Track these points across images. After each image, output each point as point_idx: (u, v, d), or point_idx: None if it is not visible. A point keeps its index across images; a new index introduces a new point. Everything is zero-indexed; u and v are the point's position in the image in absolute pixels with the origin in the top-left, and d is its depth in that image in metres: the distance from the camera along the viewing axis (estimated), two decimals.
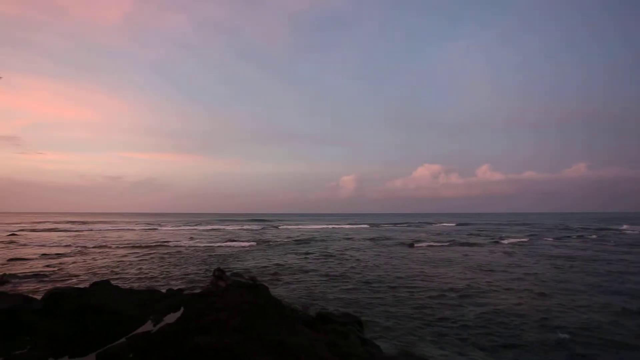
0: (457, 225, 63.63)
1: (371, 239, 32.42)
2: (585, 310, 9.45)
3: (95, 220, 74.79)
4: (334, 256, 20.40)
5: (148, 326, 6.37)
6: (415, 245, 27.14)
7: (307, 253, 21.74)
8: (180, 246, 25.80)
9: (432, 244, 28.19)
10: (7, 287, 10.91)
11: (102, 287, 8.47)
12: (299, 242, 29.63)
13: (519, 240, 32.12)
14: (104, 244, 27.41)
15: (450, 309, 9.57)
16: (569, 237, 36.01)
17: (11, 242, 28.79)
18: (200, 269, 15.66)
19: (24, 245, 26.58)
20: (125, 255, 20.51)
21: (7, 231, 41.47)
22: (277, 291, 10.97)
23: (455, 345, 7.07)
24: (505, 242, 30.28)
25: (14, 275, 13.18)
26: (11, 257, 19.42)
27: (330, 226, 56.99)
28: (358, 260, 18.95)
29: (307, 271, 15.34)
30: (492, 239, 33.62)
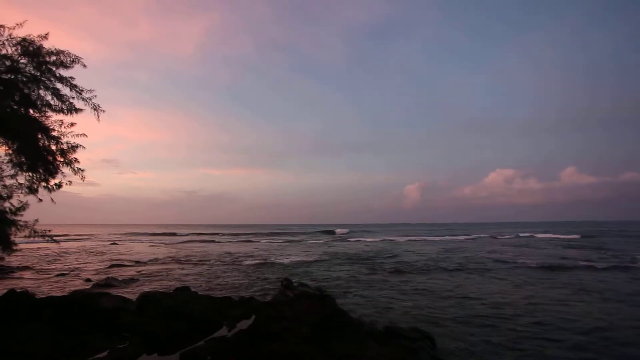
0: (542, 235, 55.75)
1: (443, 252, 30.54)
2: None
3: (176, 231, 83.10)
4: (403, 269, 19.63)
5: (223, 331, 6.81)
6: (495, 257, 24.80)
7: (375, 266, 21.22)
8: (250, 256, 27.26)
9: (520, 259, 23.92)
10: (111, 290, 12.60)
11: (183, 293, 9.32)
12: (366, 254, 29.18)
13: None
14: (185, 254, 30.22)
15: (548, 338, 8.11)
16: None
17: (112, 250, 33.38)
18: (268, 278, 16.32)
19: (122, 252, 30.60)
20: (202, 265, 22.31)
21: (109, 240, 48.28)
22: (343, 303, 10.89)
23: None
24: None
25: (115, 279, 15.17)
26: (113, 263, 22.48)
27: (396, 238, 55.02)
28: (430, 273, 17.98)
29: (374, 284, 14.99)
30: (610, 255, 24.60)
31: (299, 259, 25.41)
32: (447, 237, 54.49)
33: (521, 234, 58.74)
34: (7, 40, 8.54)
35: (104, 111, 10.07)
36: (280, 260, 24.07)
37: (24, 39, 8.68)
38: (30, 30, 10.09)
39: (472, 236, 56.21)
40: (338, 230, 77.18)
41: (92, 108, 9.87)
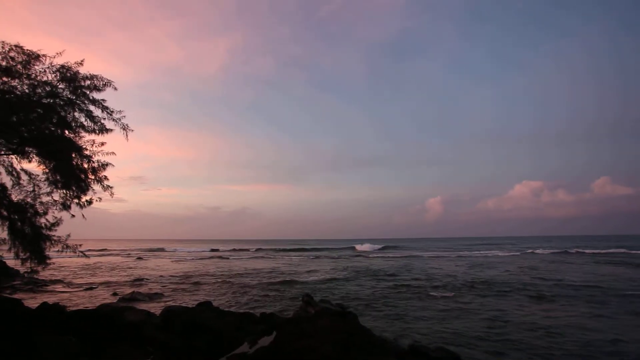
0: (582, 250, 50.00)
1: (471, 268, 29.43)
2: None
3: (200, 246, 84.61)
4: (429, 286, 19.02)
5: (245, 347, 6.75)
6: (531, 274, 23.59)
7: (398, 282, 20.59)
8: (271, 272, 27.25)
9: (560, 277, 21.35)
10: (135, 304, 12.87)
11: (206, 308, 9.38)
12: (389, 270, 28.51)
13: None
14: (207, 269, 30.62)
15: None
16: None
17: (138, 265, 34.28)
18: (289, 294, 16.21)
19: (147, 267, 31.36)
20: (224, 280, 22.48)
21: (135, 255, 49.67)
22: (366, 320, 10.62)
23: None
24: None
25: (140, 293, 15.51)
26: (138, 277, 23.05)
27: (420, 253, 53.57)
28: (457, 291, 17.30)
29: (398, 302, 14.58)
30: None
31: (320, 274, 25.17)
32: (474, 252, 52.48)
33: (556, 250, 54.10)
34: (48, 68, 9.21)
35: (132, 130, 10.53)
36: (301, 276, 23.91)
37: (62, 66, 9.32)
38: (68, 57, 10.82)
39: (501, 251, 53.81)
40: (360, 246, 76.07)
41: (121, 128, 10.36)
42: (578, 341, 8.93)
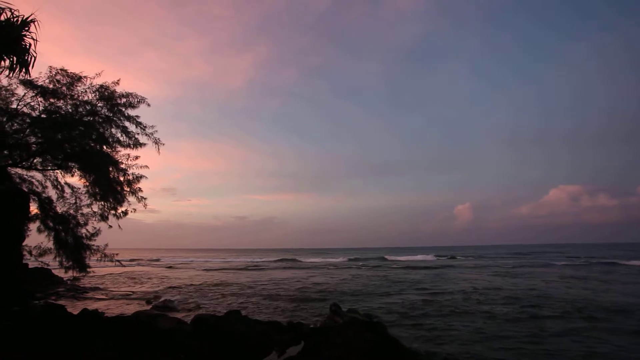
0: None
1: (509, 278, 28.01)
2: None
3: (229, 256, 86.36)
4: (462, 297, 18.22)
5: (273, 356, 6.77)
6: (580, 287, 21.99)
7: (429, 292, 19.84)
8: (299, 281, 27.28)
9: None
10: (167, 312, 13.26)
11: (235, 317, 9.51)
12: (419, 279, 27.70)
13: None
14: (236, 278, 31.14)
15: None
16: None
17: (170, 274, 35.45)
18: (316, 304, 16.11)
19: (178, 277, 32.33)
20: (252, 290, 22.75)
21: (167, 264, 51.46)
22: (396, 332, 10.32)
23: None
24: None
25: (171, 301, 15.98)
26: (169, 285, 23.81)
27: (450, 262, 51.62)
28: (493, 302, 16.47)
29: (429, 313, 14.01)
30: None
31: (348, 284, 24.85)
32: (512, 261, 49.70)
33: (609, 259, 47.31)
34: (88, 88, 9.91)
35: (163, 144, 11.08)
36: (329, 286, 23.72)
37: (101, 86, 10.00)
38: (106, 77, 11.59)
39: (543, 260, 50.62)
40: (388, 255, 74.61)
41: (153, 142, 10.93)
42: None
